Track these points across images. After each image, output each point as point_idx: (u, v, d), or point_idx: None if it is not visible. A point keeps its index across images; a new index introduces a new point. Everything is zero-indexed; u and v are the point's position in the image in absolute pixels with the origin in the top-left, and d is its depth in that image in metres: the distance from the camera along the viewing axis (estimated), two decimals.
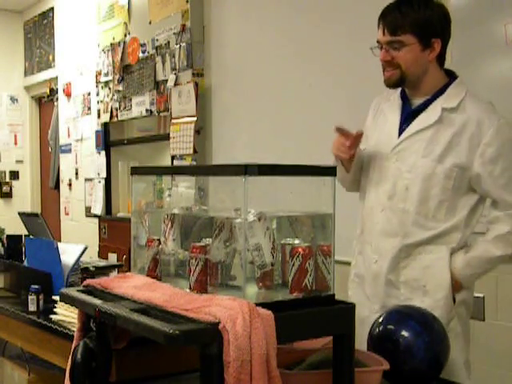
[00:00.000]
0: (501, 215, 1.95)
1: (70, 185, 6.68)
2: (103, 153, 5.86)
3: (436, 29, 1.94)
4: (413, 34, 1.92)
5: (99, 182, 5.92)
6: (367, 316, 2.04)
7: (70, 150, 6.65)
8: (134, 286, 1.57)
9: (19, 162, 7.82)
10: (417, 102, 2.04)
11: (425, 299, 1.97)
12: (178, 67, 4.68)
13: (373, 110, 2.20)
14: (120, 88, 5.48)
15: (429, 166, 1.95)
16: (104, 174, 5.84)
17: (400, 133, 2.03)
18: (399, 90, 2.08)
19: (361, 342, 1.77)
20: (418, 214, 1.97)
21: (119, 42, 5.46)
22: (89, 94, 6.16)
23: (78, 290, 1.69)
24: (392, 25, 1.94)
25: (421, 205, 1.97)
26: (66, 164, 6.74)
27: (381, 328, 1.74)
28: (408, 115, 2.04)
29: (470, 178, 1.95)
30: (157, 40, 4.93)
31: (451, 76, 2.05)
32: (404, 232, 2.00)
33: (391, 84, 2.02)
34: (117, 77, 5.50)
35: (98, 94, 5.90)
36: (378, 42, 2.00)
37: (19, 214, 3.68)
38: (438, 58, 1.99)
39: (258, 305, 1.34)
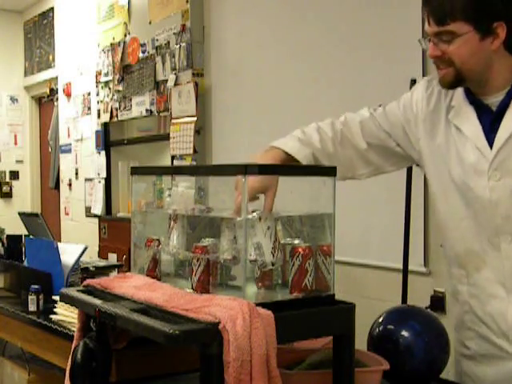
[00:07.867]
0: None
1: (69, 185, 6.68)
2: (103, 153, 5.87)
3: (497, 8, 1.47)
4: (466, 20, 1.47)
5: (99, 182, 5.92)
6: None
7: (69, 150, 6.65)
8: (134, 286, 1.57)
9: (19, 161, 7.82)
10: (489, 100, 1.59)
11: None
12: (177, 67, 4.68)
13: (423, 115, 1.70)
14: (120, 88, 5.48)
15: None
16: (104, 174, 5.84)
17: (490, 143, 1.58)
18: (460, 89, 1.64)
19: None
20: None
21: (119, 42, 5.47)
22: (89, 93, 6.16)
23: (77, 290, 1.69)
24: (438, 11, 1.49)
25: None
26: (66, 164, 6.74)
27: (381, 328, 1.74)
28: (492, 121, 1.58)
29: None
30: (157, 40, 4.93)
31: None
32: None
33: (446, 85, 1.60)
34: (117, 77, 5.50)
35: (98, 94, 5.90)
36: (425, 33, 1.57)
37: (19, 213, 3.68)
38: (505, 44, 1.53)
39: (257, 305, 1.34)
